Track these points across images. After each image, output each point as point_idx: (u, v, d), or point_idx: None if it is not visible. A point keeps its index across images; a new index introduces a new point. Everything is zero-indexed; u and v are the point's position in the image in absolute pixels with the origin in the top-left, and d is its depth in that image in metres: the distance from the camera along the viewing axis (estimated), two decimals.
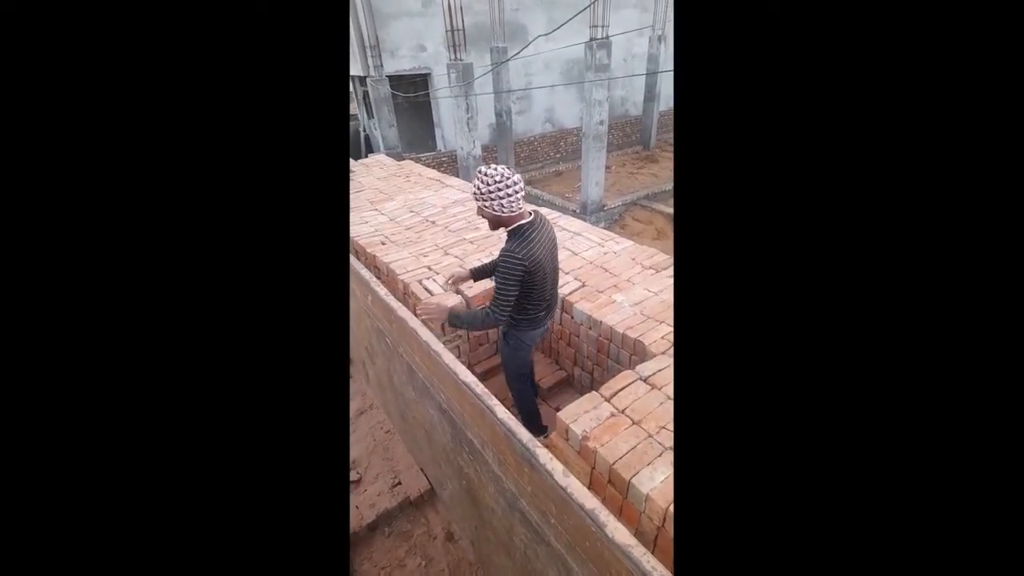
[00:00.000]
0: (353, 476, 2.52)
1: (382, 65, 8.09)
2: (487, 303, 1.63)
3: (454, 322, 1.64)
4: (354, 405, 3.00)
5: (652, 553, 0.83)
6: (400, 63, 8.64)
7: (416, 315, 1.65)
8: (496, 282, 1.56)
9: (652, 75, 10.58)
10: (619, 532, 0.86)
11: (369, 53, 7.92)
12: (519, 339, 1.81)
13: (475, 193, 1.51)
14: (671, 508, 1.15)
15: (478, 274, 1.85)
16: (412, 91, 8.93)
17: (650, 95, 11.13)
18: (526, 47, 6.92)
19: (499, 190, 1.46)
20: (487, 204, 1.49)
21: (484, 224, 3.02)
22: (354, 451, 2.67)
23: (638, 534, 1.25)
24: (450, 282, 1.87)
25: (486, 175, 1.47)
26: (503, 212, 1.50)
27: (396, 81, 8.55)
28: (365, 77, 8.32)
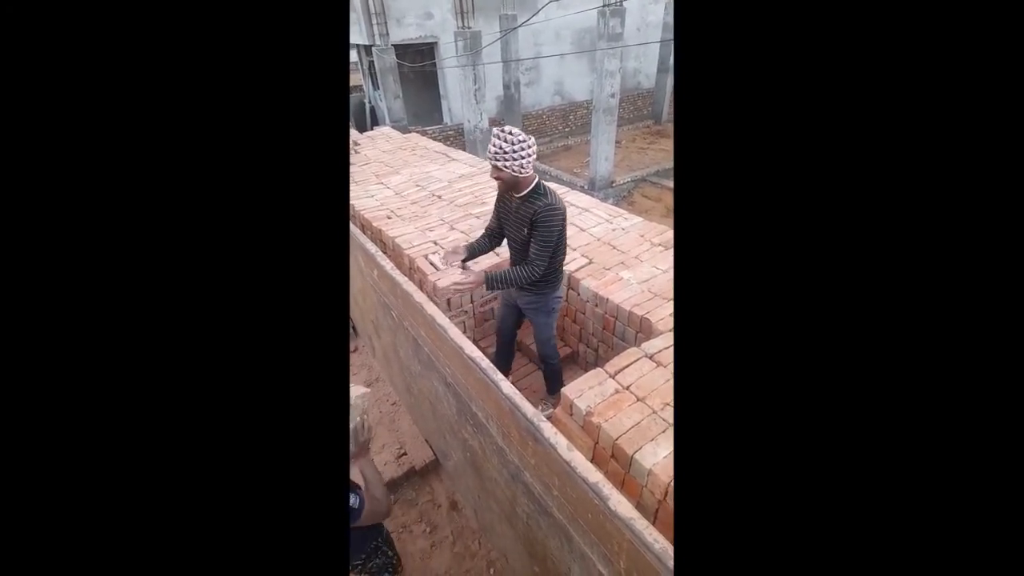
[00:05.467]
0: None
1: (388, 34, 7.86)
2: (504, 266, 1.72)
3: (493, 285, 1.66)
4: (360, 377, 3.05)
5: (653, 526, 0.84)
6: (406, 31, 8.38)
7: (444, 289, 1.68)
8: (540, 237, 1.60)
9: (666, 46, 10.20)
10: (622, 505, 0.87)
11: (374, 20, 7.69)
12: (556, 297, 1.87)
13: (497, 153, 1.50)
14: (673, 482, 1.16)
15: (472, 251, 1.87)
16: (418, 61, 8.70)
17: (663, 66, 10.76)
18: (536, 13, 6.67)
19: (523, 149, 1.49)
20: (509, 164, 1.50)
21: (490, 199, 2.99)
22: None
23: (639, 507, 1.26)
24: (446, 259, 1.86)
25: (510, 134, 1.49)
26: (523, 172, 1.53)
27: (402, 50, 8.32)
28: (370, 46, 8.10)
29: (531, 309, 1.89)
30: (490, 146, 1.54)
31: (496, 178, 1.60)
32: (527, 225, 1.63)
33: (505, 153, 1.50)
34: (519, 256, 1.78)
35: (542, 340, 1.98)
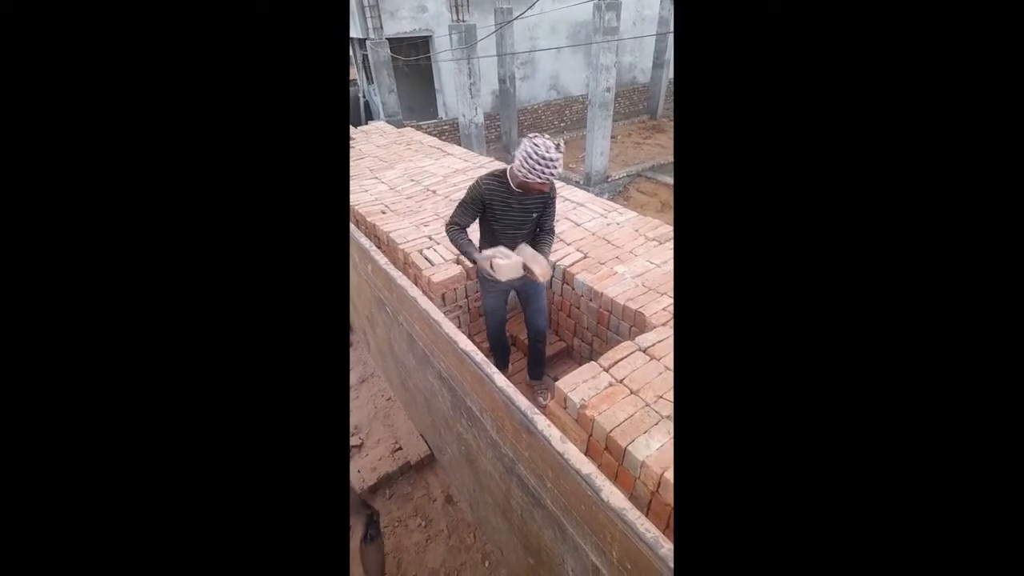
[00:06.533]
0: (355, 441, 2.58)
1: (381, 27, 7.78)
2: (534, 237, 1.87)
3: (546, 252, 1.83)
4: (356, 373, 3.05)
5: (646, 516, 0.85)
6: (400, 25, 8.30)
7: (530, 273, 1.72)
8: (551, 212, 1.86)
9: (662, 40, 10.16)
10: (614, 496, 0.88)
11: (368, 14, 7.61)
12: None
13: (545, 168, 1.55)
14: (665, 474, 1.17)
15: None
16: (413, 54, 8.62)
17: (659, 61, 10.72)
18: (531, 7, 6.62)
19: (547, 166, 1.54)
20: (524, 172, 1.57)
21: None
22: (356, 417, 2.73)
23: (632, 499, 1.27)
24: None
25: (558, 149, 1.55)
26: (528, 179, 1.59)
27: (396, 44, 8.24)
28: (364, 40, 8.02)
29: (529, 290, 1.95)
30: (538, 163, 1.53)
31: (521, 186, 1.65)
32: (538, 210, 1.78)
33: (551, 169, 1.55)
34: (520, 239, 1.83)
35: (542, 308, 2.03)
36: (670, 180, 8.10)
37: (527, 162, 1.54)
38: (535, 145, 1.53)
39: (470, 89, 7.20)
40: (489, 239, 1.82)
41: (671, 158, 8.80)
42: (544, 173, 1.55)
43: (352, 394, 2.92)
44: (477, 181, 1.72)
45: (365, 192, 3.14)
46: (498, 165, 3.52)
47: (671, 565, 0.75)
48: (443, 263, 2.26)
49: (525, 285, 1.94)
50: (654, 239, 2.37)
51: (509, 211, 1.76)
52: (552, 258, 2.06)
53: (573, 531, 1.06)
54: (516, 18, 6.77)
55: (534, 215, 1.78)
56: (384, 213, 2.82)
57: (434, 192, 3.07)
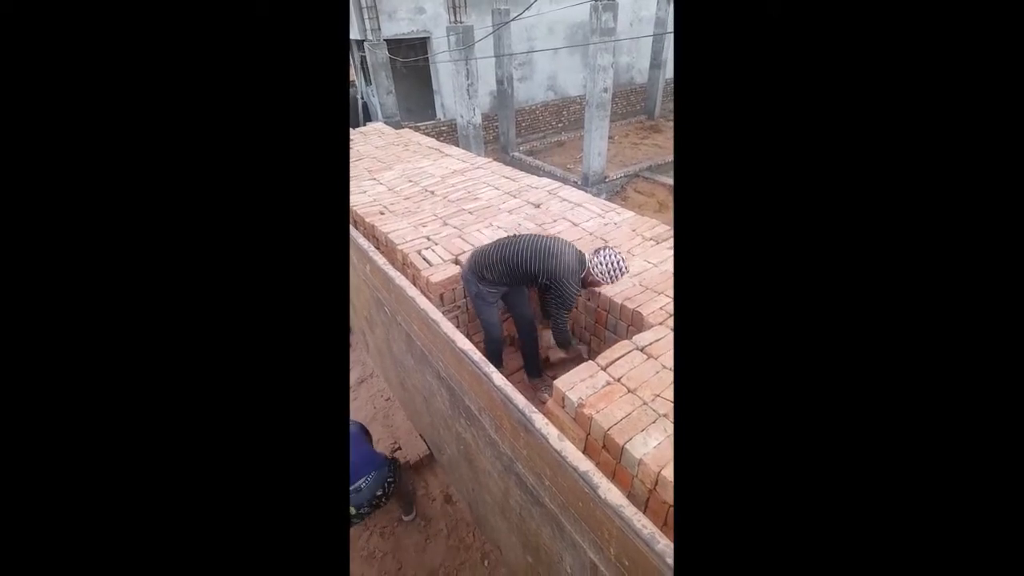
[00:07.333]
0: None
1: (379, 28, 7.79)
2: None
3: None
4: (354, 374, 3.05)
5: (643, 514, 0.86)
6: (398, 26, 8.31)
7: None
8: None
9: (659, 41, 10.19)
10: (612, 493, 0.88)
11: (366, 15, 7.61)
12: None
13: (605, 265, 1.84)
14: (663, 472, 1.18)
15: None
16: (411, 56, 8.63)
17: (656, 62, 10.74)
18: (528, 7, 6.63)
19: (613, 277, 1.86)
20: (604, 277, 1.85)
21: (483, 195, 3.00)
22: (355, 418, 2.73)
23: (630, 496, 1.28)
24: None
25: (624, 263, 1.87)
26: (603, 283, 1.90)
27: (394, 45, 8.25)
28: (362, 41, 8.03)
29: (515, 288, 2.12)
30: (619, 275, 1.85)
31: (587, 281, 1.92)
32: None
33: (602, 271, 1.84)
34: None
35: (528, 301, 2.22)
36: (667, 180, 8.10)
37: (613, 272, 1.84)
38: (623, 259, 1.86)
39: (468, 90, 7.20)
40: (505, 281, 1.98)
41: (669, 158, 8.82)
42: (616, 280, 1.89)
43: (351, 395, 2.92)
44: (579, 289, 1.93)
45: (363, 193, 3.14)
46: (497, 166, 3.53)
47: (668, 561, 0.76)
48: (441, 263, 2.27)
49: (511, 288, 2.07)
50: (651, 239, 2.38)
51: None
52: None
53: (571, 528, 1.07)
54: (514, 19, 6.78)
55: None
56: (382, 214, 2.82)
57: (432, 193, 3.08)
